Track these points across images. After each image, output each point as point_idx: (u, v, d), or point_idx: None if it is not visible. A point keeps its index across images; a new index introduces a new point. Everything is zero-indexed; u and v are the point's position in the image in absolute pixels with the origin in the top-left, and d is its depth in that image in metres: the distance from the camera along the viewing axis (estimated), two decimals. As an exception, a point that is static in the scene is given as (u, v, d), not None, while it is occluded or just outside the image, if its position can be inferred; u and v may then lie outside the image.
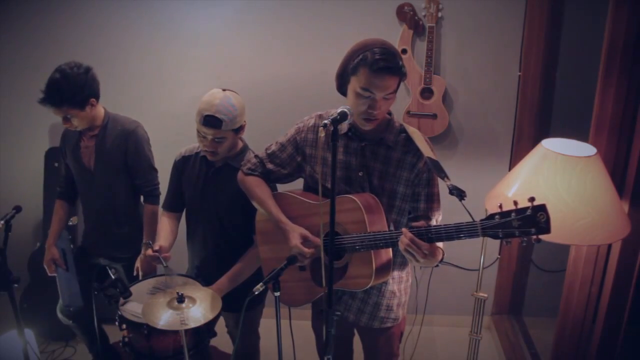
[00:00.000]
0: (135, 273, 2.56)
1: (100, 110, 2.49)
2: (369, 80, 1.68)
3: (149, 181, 2.56)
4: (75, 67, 2.34)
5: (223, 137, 2.10)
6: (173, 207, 2.41)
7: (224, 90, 2.12)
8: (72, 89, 2.30)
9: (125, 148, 2.48)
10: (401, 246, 1.64)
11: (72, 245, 2.70)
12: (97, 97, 2.43)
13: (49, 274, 2.60)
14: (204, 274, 2.35)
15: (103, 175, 2.51)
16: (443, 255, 1.77)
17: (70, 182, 2.65)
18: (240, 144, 2.26)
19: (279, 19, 3.01)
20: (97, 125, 2.50)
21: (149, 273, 2.55)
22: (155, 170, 2.60)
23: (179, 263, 2.86)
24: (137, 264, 2.54)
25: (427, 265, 1.68)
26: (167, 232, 2.37)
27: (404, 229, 1.64)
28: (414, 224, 1.80)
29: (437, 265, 1.77)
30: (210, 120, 2.04)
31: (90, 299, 2.55)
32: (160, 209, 2.50)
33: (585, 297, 2.18)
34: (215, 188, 2.24)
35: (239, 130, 2.16)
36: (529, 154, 1.99)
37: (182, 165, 2.32)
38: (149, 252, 2.22)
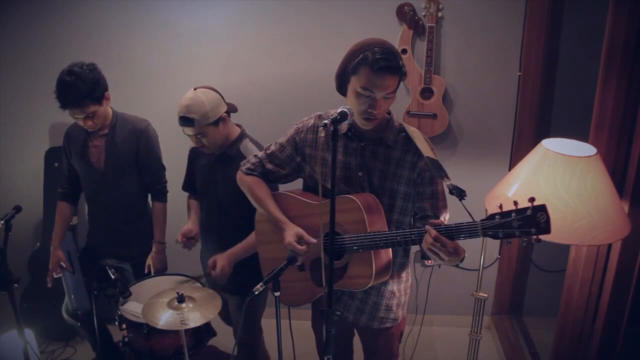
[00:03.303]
0: (146, 270, 2.57)
1: (108, 109, 2.51)
2: (369, 80, 1.68)
3: (158, 179, 2.60)
4: (83, 65, 2.37)
5: (201, 132, 2.20)
6: (191, 189, 2.54)
7: (195, 89, 2.22)
8: (88, 85, 2.32)
9: (137, 146, 2.52)
10: (425, 245, 1.62)
11: (75, 246, 2.70)
12: (108, 90, 2.45)
13: (55, 277, 2.59)
14: (208, 257, 2.39)
15: (113, 174, 2.52)
16: (464, 253, 1.69)
17: (73, 183, 2.65)
18: (235, 133, 2.32)
19: (280, 19, 3.01)
20: (106, 125, 2.51)
21: (161, 270, 2.56)
22: (164, 168, 2.64)
23: (178, 263, 2.86)
24: (149, 261, 2.56)
25: (450, 264, 1.67)
26: (195, 210, 2.52)
27: (427, 227, 1.62)
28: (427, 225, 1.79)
29: (457, 265, 1.72)
30: (183, 121, 2.19)
31: (99, 299, 2.56)
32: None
33: (585, 297, 2.18)
34: (214, 176, 2.32)
35: (217, 122, 2.22)
36: (529, 154, 1.99)
37: (193, 155, 2.47)
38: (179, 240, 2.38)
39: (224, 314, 2.58)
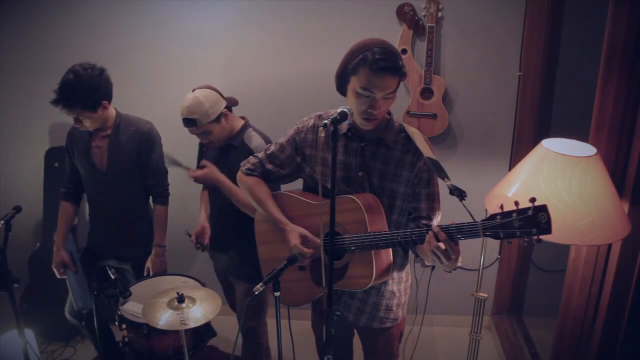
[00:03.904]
0: (145, 273, 2.57)
1: (111, 110, 2.50)
2: (369, 80, 1.68)
3: (159, 182, 2.60)
4: (89, 68, 2.34)
5: (205, 131, 2.30)
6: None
7: (193, 90, 2.31)
8: (85, 91, 2.30)
9: (139, 149, 2.51)
10: (428, 246, 1.61)
11: (76, 246, 2.70)
12: (109, 99, 2.43)
13: (58, 277, 2.59)
14: (216, 243, 2.52)
15: (115, 175, 2.52)
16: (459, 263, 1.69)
17: (76, 183, 2.64)
18: (238, 124, 2.40)
19: (280, 20, 3.01)
20: (109, 126, 2.50)
21: (160, 272, 2.57)
22: (166, 171, 2.63)
23: (178, 264, 2.86)
24: (148, 264, 2.56)
25: (445, 269, 1.66)
26: (207, 205, 2.61)
27: (434, 226, 1.61)
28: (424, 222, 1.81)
29: (450, 271, 1.72)
30: (186, 122, 2.29)
31: (99, 299, 2.57)
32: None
33: (585, 297, 2.18)
34: (221, 167, 2.37)
35: (219, 118, 2.30)
36: (529, 154, 1.99)
37: (203, 147, 2.54)
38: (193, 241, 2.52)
39: (231, 302, 2.62)
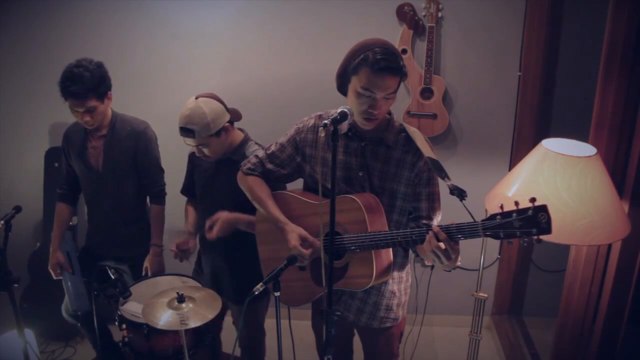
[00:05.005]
0: (144, 273, 2.57)
1: (108, 109, 2.50)
2: (370, 80, 1.68)
3: (156, 182, 2.59)
4: (92, 61, 2.37)
5: (202, 143, 2.17)
6: (190, 193, 2.52)
7: (197, 98, 2.16)
8: (94, 79, 2.32)
9: (135, 148, 2.50)
10: (428, 246, 1.61)
11: (75, 246, 2.70)
12: (111, 90, 2.44)
13: (55, 278, 2.59)
14: (211, 265, 2.42)
15: (111, 175, 2.51)
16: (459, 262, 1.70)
17: (72, 183, 2.64)
18: (238, 138, 2.29)
19: (280, 20, 3.01)
20: (105, 125, 2.50)
21: (158, 273, 2.56)
22: (162, 171, 2.62)
23: (177, 264, 2.85)
24: (146, 263, 2.56)
25: (445, 268, 1.66)
26: (192, 217, 2.50)
27: (435, 226, 1.61)
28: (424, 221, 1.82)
29: (449, 271, 1.73)
30: (183, 131, 2.16)
31: (98, 300, 2.56)
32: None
33: (585, 297, 2.18)
34: (216, 181, 2.29)
35: (219, 133, 2.17)
36: (529, 154, 1.99)
37: (194, 159, 2.41)
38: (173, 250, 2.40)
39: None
